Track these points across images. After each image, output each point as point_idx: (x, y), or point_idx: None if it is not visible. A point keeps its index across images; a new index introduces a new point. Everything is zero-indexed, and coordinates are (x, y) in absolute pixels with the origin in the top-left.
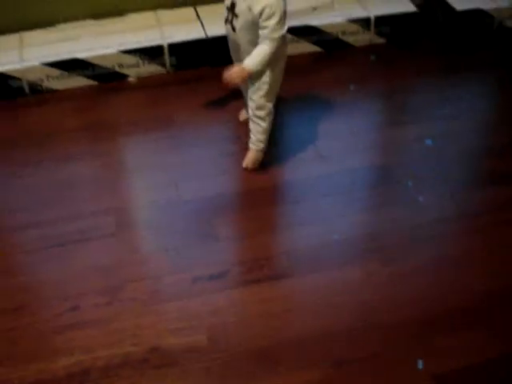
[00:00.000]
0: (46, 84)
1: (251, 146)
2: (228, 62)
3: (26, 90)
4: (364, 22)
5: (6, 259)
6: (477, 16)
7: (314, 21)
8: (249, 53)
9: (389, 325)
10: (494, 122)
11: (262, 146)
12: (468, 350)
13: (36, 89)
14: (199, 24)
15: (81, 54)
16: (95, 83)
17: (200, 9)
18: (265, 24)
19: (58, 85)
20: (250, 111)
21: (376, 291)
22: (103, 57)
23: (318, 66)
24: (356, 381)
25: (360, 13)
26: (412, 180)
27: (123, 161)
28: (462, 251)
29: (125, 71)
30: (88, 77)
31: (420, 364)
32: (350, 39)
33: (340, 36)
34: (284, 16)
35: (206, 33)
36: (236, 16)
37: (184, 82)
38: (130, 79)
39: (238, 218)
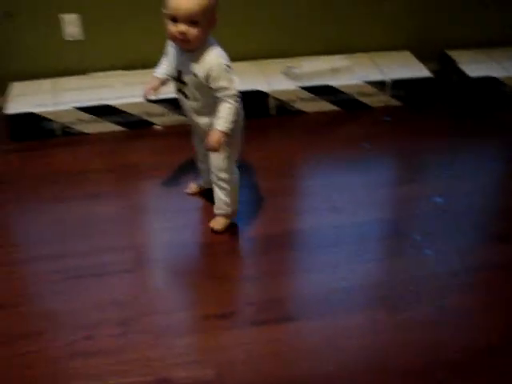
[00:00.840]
0: (77, 127)
1: (217, 211)
2: (256, 115)
3: (58, 131)
4: (380, 85)
5: (29, 287)
6: (490, 83)
7: (334, 81)
8: (205, 116)
9: (391, 370)
10: (502, 184)
11: (230, 209)
12: None
13: (67, 131)
14: None
15: (112, 101)
16: (123, 129)
17: None
18: (216, 86)
19: (88, 128)
20: (212, 177)
21: (380, 338)
22: (132, 105)
23: (335, 123)
24: None
25: (377, 76)
26: (420, 234)
27: (145, 202)
28: (464, 304)
29: (151, 119)
30: (117, 123)
31: None
32: (366, 100)
33: (357, 97)
34: (231, 71)
35: None
36: (185, 84)
37: None
38: (156, 127)
39: (249, 261)
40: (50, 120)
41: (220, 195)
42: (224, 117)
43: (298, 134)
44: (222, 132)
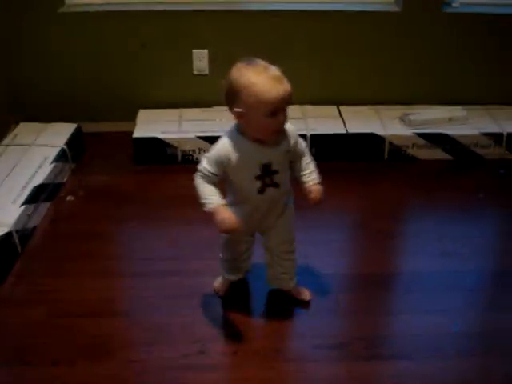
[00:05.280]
0: (197, 155)
1: (290, 284)
2: (370, 158)
3: (179, 158)
4: (497, 137)
5: (148, 300)
6: None
7: (449, 130)
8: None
9: None
10: None
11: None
12: None
13: (187, 158)
14: (341, 121)
15: None
16: None
17: (342, 108)
18: (300, 147)
19: None
20: (280, 254)
21: None
22: None
23: (448, 172)
24: None
25: (493, 128)
26: None
27: None
28: None
29: None
30: None
31: None
32: (481, 152)
33: (472, 147)
34: None
35: (346, 128)
36: (276, 172)
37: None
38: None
39: (361, 296)
40: (173, 146)
41: (290, 268)
42: (314, 170)
43: (411, 179)
44: (320, 183)
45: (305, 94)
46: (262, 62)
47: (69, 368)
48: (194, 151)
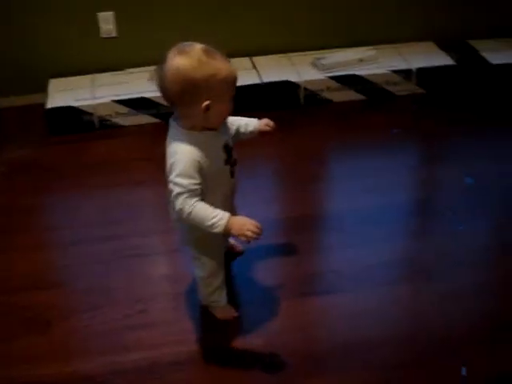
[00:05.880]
0: (114, 120)
1: (231, 241)
2: (287, 106)
3: (96, 124)
4: (406, 74)
5: (83, 267)
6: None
7: (360, 71)
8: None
9: (437, 336)
10: None
11: None
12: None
13: (105, 124)
14: (255, 71)
15: (147, 94)
16: (159, 121)
17: (255, 59)
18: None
19: (125, 121)
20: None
21: (424, 306)
22: None
23: (361, 111)
24: None
25: (402, 65)
26: (453, 212)
27: None
28: (501, 279)
29: None
30: (152, 115)
31: (463, 371)
32: (392, 89)
33: (383, 85)
34: None
35: (261, 78)
36: (233, 149)
37: None
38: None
39: (292, 238)
40: (89, 113)
41: None
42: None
43: (327, 122)
44: None
45: (216, 49)
46: (199, 45)
47: (9, 345)
48: (111, 116)
